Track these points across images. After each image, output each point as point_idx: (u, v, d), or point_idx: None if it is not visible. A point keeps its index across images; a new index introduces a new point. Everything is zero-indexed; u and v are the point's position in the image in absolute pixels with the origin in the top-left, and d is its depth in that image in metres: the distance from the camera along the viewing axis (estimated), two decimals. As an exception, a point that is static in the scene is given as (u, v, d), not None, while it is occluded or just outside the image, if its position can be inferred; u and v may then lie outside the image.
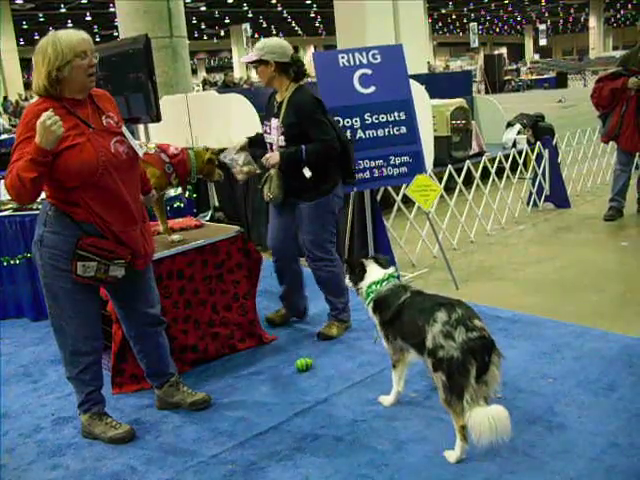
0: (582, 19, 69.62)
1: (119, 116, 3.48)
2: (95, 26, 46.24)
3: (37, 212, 5.43)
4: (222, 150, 4.69)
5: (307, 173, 4.46)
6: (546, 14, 67.11)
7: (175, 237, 4.47)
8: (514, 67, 47.05)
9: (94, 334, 3.53)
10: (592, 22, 61.75)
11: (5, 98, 30.12)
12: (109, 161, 3.23)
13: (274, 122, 4.58)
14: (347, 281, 3.89)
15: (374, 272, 3.71)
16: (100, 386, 3.67)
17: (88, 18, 43.32)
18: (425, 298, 3.45)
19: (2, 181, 6.57)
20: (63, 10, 40.72)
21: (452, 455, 3.18)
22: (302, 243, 4.79)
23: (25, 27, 44.18)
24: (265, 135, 4.69)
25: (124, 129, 3.44)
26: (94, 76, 3.24)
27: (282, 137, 4.51)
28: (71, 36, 3.19)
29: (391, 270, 3.72)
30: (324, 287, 4.90)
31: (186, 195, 6.35)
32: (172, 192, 5.94)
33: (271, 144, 4.62)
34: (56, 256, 3.30)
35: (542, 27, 57.76)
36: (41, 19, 43.20)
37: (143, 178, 3.78)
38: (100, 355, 3.64)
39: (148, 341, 3.77)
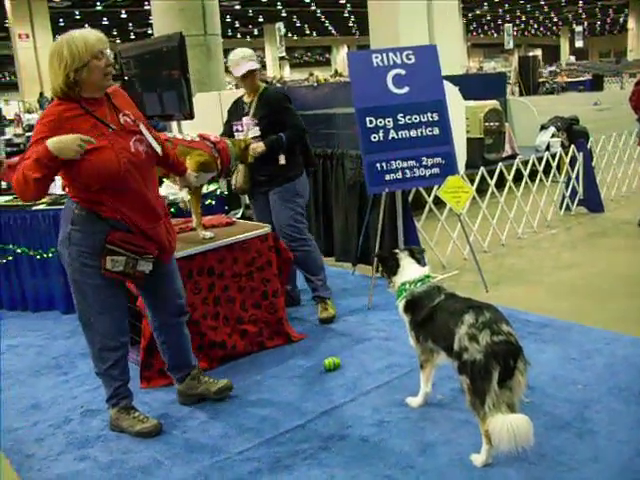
0: (621, 20, 68.61)
1: (136, 112, 3.48)
2: (130, 24, 46.74)
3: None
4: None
5: (282, 160, 4.96)
6: (583, 15, 66.25)
7: (207, 234, 4.49)
8: (548, 70, 46.52)
9: (121, 330, 3.58)
10: (631, 23, 60.81)
11: (41, 94, 30.49)
12: (130, 162, 3.25)
13: (245, 120, 5.01)
14: (378, 273, 3.85)
15: (409, 269, 3.64)
16: (127, 380, 3.72)
17: (123, 16, 43.77)
18: (457, 301, 3.40)
19: (57, 178, 6.68)
20: (99, 7, 41.16)
21: (478, 459, 3.16)
22: (278, 228, 5.08)
23: (62, 24, 44.73)
24: (236, 134, 5.04)
25: (141, 126, 3.42)
26: (110, 75, 3.25)
27: (256, 128, 4.95)
28: (86, 37, 3.17)
29: (427, 270, 3.65)
30: (302, 266, 5.23)
31: (219, 189, 6.38)
32: (206, 189, 6.01)
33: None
34: (85, 253, 3.33)
35: (579, 29, 57.01)
36: (77, 16, 43.70)
37: (176, 161, 3.86)
38: (127, 350, 3.68)
39: (172, 331, 3.80)
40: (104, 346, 3.54)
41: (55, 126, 3.11)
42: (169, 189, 5.19)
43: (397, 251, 3.78)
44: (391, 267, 3.70)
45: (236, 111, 5.17)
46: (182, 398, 3.99)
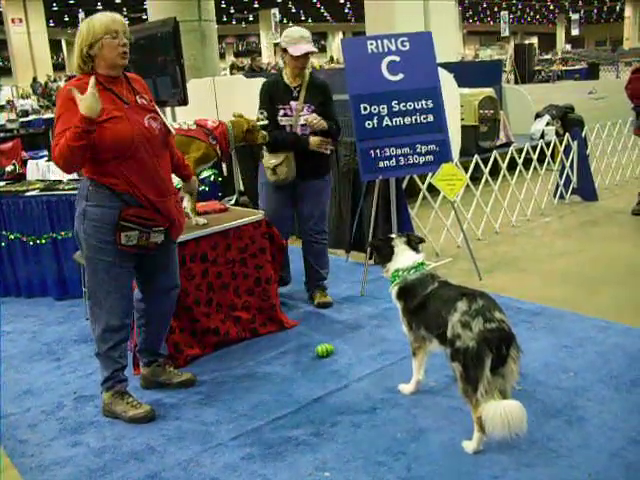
0: (617, 8, 68.45)
1: (152, 98, 3.64)
2: (124, 9, 46.45)
3: (64, 192, 5.55)
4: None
5: (328, 150, 4.93)
6: (580, 3, 66.07)
7: (200, 220, 4.48)
8: (544, 58, 46.43)
9: (127, 310, 3.64)
10: (628, 12, 60.76)
11: (34, 79, 30.35)
12: (143, 135, 3.39)
13: (294, 104, 4.84)
14: (371, 261, 3.85)
15: (404, 256, 3.64)
16: (125, 366, 3.74)
17: (118, 1, 43.47)
18: (451, 289, 3.40)
19: (42, 161, 6.66)
20: (94, -8, 40.92)
21: (469, 445, 3.17)
22: (307, 218, 5.09)
23: (55, 9, 44.41)
24: (282, 118, 4.88)
25: (157, 107, 3.60)
26: (125, 54, 3.38)
27: (314, 115, 4.81)
28: (104, 16, 3.37)
29: (421, 257, 3.65)
30: (318, 258, 5.20)
31: (212, 175, 6.36)
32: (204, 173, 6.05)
33: (291, 125, 4.88)
34: (99, 228, 3.42)
35: (575, 17, 56.83)
36: (71, 1, 43.40)
37: (182, 163, 3.93)
38: (128, 334, 3.72)
39: (157, 304, 3.82)
40: (108, 326, 3.57)
41: (71, 95, 3.20)
42: None
43: (393, 236, 3.79)
44: (385, 254, 3.70)
45: (279, 94, 4.90)
46: (145, 382, 4.04)
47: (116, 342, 3.61)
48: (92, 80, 3.16)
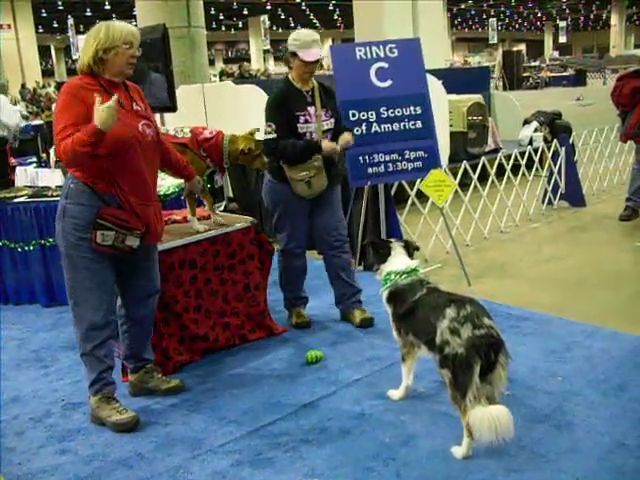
0: (604, 16, 68.94)
1: (147, 107, 3.73)
2: (114, 15, 46.38)
3: (52, 199, 5.53)
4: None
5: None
6: (567, 11, 66.50)
7: (200, 227, 4.46)
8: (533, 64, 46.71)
9: (110, 307, 3.63)
10: (614, 19, 61.18)
11: (23, 85, 30.22)
12: (136, 138, 3.47)
13: (312, 110, 4.57)
14: (360, 267, 3.83)
15: (398, 259, 3.67)
16: (112, 366, 3.71)
17: (107, 7, 43.40)
18: (439, 295, 3.41)
19: (31, 167, 6.62)
20: (82, -2, 40.88)
21: (459, 451, 3.18)
22: (329, 229, 4.79)
23: (44, 15, 44.29)
24: (303, 125, 4.56)
25: (151, 115, 3.70)
26: (133, 65, 3.52)
27: (332, 120, 4.65)
28: (125, 27, 3.50)
29: (415, 263, 3.67)
30: (346, 270, 4.92)
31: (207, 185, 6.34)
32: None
33: (311, 132, 4.59)
34: (77, 226, 3.45)
35: (562, 24, 57.14)
36: (60, 7, 43.30)
37: (182, 163, 4.02)
38: (113, 333, 3.71)
39: (138, 309, 3.81)
40: (91, 324, 3.56)
41: (77, 91, 3.35)
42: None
43: (392, 240, 3.83)
44: (382, 254, 3.73)
45: (293, 101, 4.57)
46: (133, 389, 4.03)
47: (102, 340, 3.60)
48: (115, 97, 3.25)
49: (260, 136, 4.55)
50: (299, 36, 4.52)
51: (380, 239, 3.91)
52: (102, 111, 3.17)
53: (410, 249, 3.75)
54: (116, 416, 3.63)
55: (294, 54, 4.51)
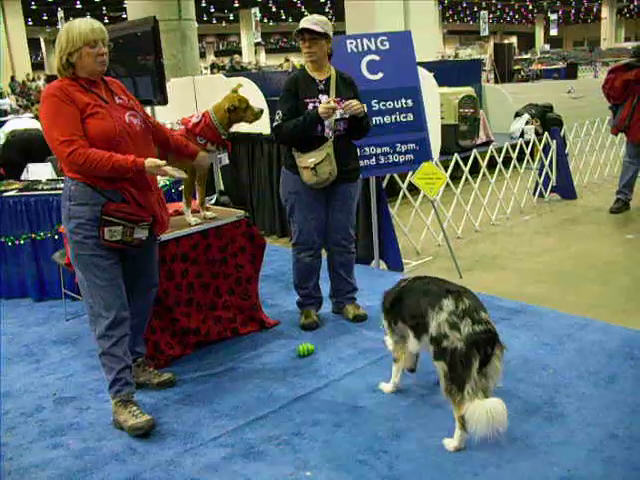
0: (594, 9, 69.04)
1: (131, 98, 3.70)
2: (104, 8, 46.10)
3: (42, 192, 5.51)
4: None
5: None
6: (558, 3, 66.52)
7: (192, 220, 4.44)
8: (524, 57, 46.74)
9: (123, 303, 3.59)
10: (604, 12, 61.32)
11: (12, 78, 30.05)
12: (125, 130, 3.47)
13: (324, 98, 4.40)
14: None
15: None
16: (129, 365, 3.65)
17: (97, -1, 43.21)
18: (429, 281, 3.46)
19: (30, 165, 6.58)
20: (72, -10, 40.63)
21: (451, 444, 3.19)
22: (339, 227, 4.70)
23: (33, 7, 44.00)
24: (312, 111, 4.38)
25: (134, 106, 3.65)
26: (104, 62, 3.46)
27: (355, 100, 4.41)
28: (83, 26, 3.41)
29: None
30: (346, 268, 4.86)
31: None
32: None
33: (322, 122, 4.42)
34: (84, 225, 3.43)
35: (553, 17, 57.24)
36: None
37: (183, 143, 4.01)
38: (129, 330, 3.65)
39: (136, 302, 3.78)
40: (108, 322, 3.53)
41: (63, 94, 3.34)
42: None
43: None
44: None
45: (304, 87, 4.42)
46: None
47: (118, 337, 3.56)
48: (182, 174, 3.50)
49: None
50: (308, 19, 4.35)
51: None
52: (165, 169, 3.38)
53: None
54: (132, 420, 3.54)
55: (298, 32, 4.36)
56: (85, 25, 3.41)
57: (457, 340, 3.07)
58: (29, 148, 6.83)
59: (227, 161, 4.79)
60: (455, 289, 3.29)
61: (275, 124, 4.45)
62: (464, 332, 3.07)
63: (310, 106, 4.39)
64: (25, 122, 7.42)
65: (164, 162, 3.43)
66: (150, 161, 3.36)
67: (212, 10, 55.27)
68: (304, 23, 4.33)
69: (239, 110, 4.38)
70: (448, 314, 3.14)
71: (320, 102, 4.38)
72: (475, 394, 3.01)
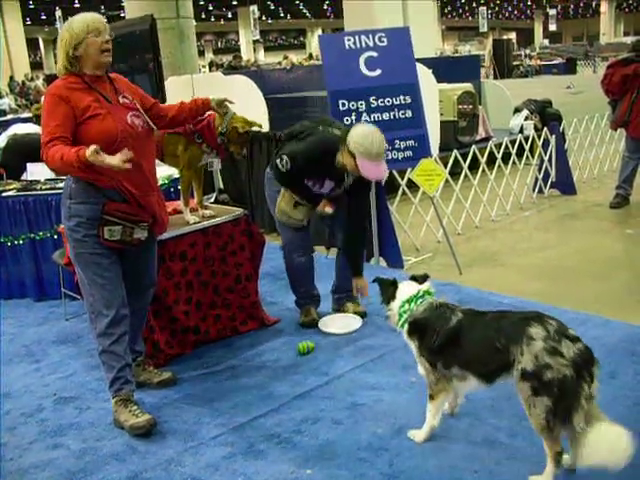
0: (593, 4, 68.93)
1: (136, 92, 3.70)
2: (102, 6, 46.00)
3: (41, 192, 5.51)
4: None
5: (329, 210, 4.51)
6: (556, -2, 66.45)
7: (190, 218, 4.44)
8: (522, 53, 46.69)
9: (123, 301, 3.59)
10: (603, 7, 61.19)
11: (11, 78, 30.02)
12: (127, 131, 3.44)
13: (329, 183, 4.42)
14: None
15: (406, 289, 3.27)
16: (129, 363, 3.65)
17: (95, -2, 43.11)
18: (492, 317, 3.04)
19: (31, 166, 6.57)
20: (71, -11, 40.55)
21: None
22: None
23: (31, 7, 43.94)
24: (311, 187, 4.44)
25: (138, 106, 3.62)
26: (109, 52, 3.46)
27: (339, 191, 4.47)
28: (85, 17, 3.45)
29: (426, 286, 3.27)
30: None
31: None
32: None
33: (315, 191, 4.49)
34: (84, 224, 3.44)
35: (552, 12, 57.10)
36: (48, -1, 42.97)
37: (192, 105, 3.95)
38: (128, 327, 3.65)
39: (135, 301, 3.77)
40: (107, 320, 3.53)
41: (58, 92, 3.34)
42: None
43: (396, 279, 3.39)
44: (390, 293, 3.31)
45: (325, 166, 4.27)
46: None
47: (119, 335, 3.56)
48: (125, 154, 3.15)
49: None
50: (364, 141, 4.06)
51: (384, 279, 3.44)
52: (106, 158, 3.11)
53: (418, 278, 3.32)
54: (132, 419, 3.54)
55: (351, 154, 4.12)
56: (87, 16, 3.44)
57: (563, 367, 2.70)
58: (29, 152, 6.82)
59: (219, 167, 4.90)
60: (531, 314, 2.91)
61: (280, 170, 4.34)
62: (568, 355, 2.71)
63: (310, 183, 4.40)
64: (28, 127, 7.46)
65: (101, 151, 3.10)
66: (90, 150, 3.05)
67: (210, 8, 55.16)
68: (378, 169, 4.19)
69: (236, 133, 4.34)
70: (543, 341, 2.75)
71: (322, 184, 4.41)
72: (589, 423, 2.70)
